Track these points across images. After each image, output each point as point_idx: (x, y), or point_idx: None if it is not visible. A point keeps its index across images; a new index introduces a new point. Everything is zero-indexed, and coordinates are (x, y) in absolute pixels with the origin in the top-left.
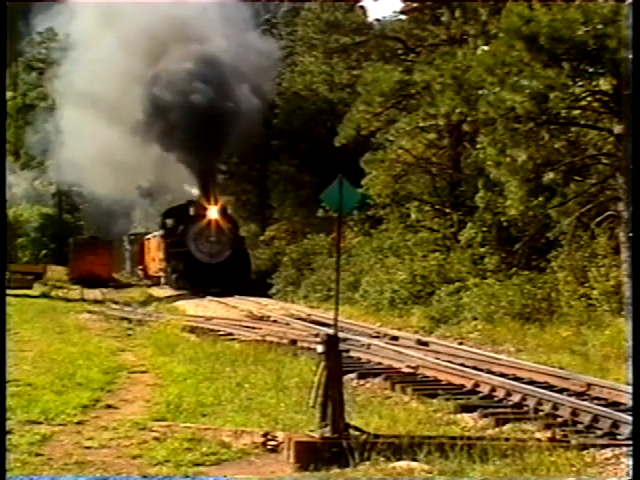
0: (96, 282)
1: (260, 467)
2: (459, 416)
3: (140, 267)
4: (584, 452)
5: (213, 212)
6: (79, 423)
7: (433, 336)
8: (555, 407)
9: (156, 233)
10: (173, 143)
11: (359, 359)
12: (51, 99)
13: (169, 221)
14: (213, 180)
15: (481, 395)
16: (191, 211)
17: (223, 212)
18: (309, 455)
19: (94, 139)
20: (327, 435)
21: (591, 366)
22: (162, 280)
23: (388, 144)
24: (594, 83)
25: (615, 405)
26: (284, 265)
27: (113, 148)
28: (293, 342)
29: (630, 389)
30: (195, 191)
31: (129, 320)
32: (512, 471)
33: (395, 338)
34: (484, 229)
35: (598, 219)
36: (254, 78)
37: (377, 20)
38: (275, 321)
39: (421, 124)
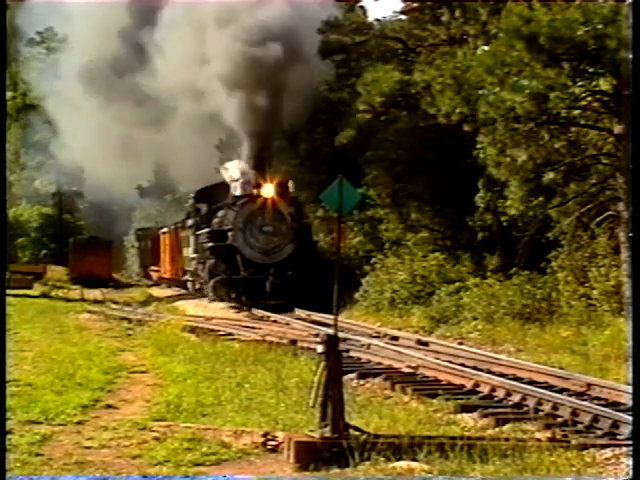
0: (96, 282)
1: (260, 467)
2: (459, 416)
3: (154, 268)
4: (584, 452)
5: (268, 190)
6: (79, 423)
7: (433, 336)
8: (555, 407)
9: (178, 224)
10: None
11: (359, 359)
12: (53, 96)
13: (202, 206)
14: (269, 148)
15: (481, 395)
16: (237, 189)
17: (283, 191)
18: (309, 455)
19: (98, 135)
20: (327, 435)
21: (591, 366)
22: (189, 286)
23: (388, 144)
24: (594, 83)
25: (615, 405)
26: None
27: (120, 144)
28: (293, 342)
29: (630, 389)
30: (228, 174)
31: (129, 320)
32: (512, 471)
33: (395, 338)
34: (484, 229)
35: (598, 219)
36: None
37: (377, 20)
38: (275, 321)
39: (421, 124)
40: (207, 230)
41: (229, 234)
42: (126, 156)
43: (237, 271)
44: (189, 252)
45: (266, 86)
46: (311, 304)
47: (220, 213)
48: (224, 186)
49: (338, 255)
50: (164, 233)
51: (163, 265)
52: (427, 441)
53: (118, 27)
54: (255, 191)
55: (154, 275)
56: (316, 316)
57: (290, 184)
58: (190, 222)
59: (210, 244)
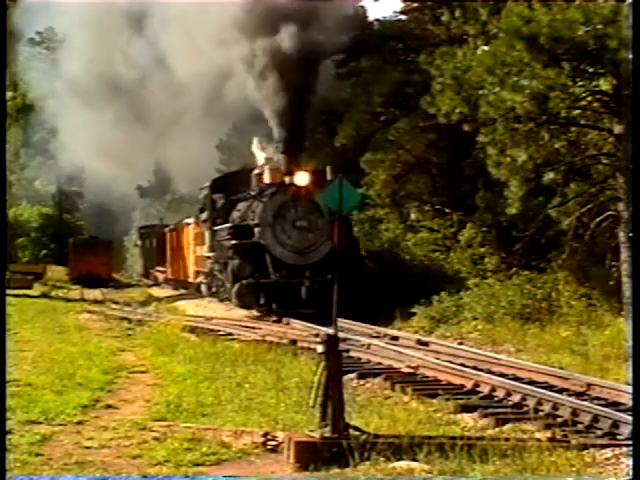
0: (96, 282)
1: (260, 467)
2: (459, 416)
3: (159, 269)
4: (584, 452)
5: (302, 178)
6: (79, 423)
7: (433, 336)
8: (555, 407)
9: (189, 220)
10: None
11: (359, 359)
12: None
13: (218, 197)
14: (303, 129)
15: (481, 395)
16: (265, 175)
17: (319, 179)
18: (309, 455)
19: (98, 135)
20: (327, 435)
21: (591, 366)
22: (203, 289)
23: (388, 144)
24: (594, 83)
25: (615, 405)
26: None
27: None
28: (293, 342)
29: (630, 389)
30: (262, 156)
31: (129, 320)
32: (512, 471)
33: (395, 338)
34: (484, 229)
35: (598, 219)
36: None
37: (377, 20)
38: (275, 321)
39: (421, 124)
40: (228, 225)
41: (255, 230)
42: (127, 156)
43: (266, 274)
44: (203, 251)
45: (298, 57)
46: (355, 313)
47: (241, 205)
48: (244, 174)
49: (338, 255)
50: (172, 230)
51: (171, 265)
52: (427, 441)
53: (120, 19)
54: (287, 179)
55: (160, 276)
56: (370, 330)
57: (328, 171)
58: (204, 216)
59: (233, 242)
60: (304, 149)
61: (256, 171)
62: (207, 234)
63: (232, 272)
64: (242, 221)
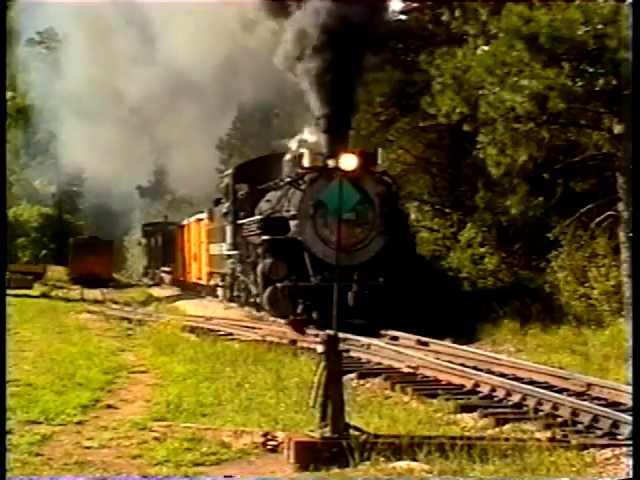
0: (96, 282)
1: (260, 467)
2: (459, 416)
3: (165, 269)
4: (584, 452)
5: (349, 162)
6: (79, 423)
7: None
8: (555, 407)
9: (202, 215)
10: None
11: (359, 359)
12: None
13: (242, 187)
14: (350, 102)
15: (481, 395)
16: (303, 159)
17: (369, 163)
18: (309, 455)
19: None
20: (327, 435)
21: (591, 366)
22: (220, 293)
23: (388, 144)
24: (594, 83)
25: (615, 405)
26: None
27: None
28: (293, 342)
29: (630, 389)
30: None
31: (129, 320)
32: (512, 471)
33: (395, 338)
34: (484, 229)
35: (598, 219)
36: None
37: None
38: (275, 321)
39: (421, 124)
40: (258, 218)
41: (292, 223)
42: (127, 155)
43: (305, 276)
44: (223, 249)
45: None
46: (413, 325)
47: (271, 195)
48: (274, 160)
49: (338, 255)
50: (181, 227)
51: (180, 265)
52: (427, 441)
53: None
54: (330, 162)
55: (166, 277)
56: (438, 346)
57: (379, 153)
58: (225, 209)
59: (264, 237)
60: (351, 127)
61: (289, 155)
62: (229, 229)
63: (263, 274)
64: (274, 213)
